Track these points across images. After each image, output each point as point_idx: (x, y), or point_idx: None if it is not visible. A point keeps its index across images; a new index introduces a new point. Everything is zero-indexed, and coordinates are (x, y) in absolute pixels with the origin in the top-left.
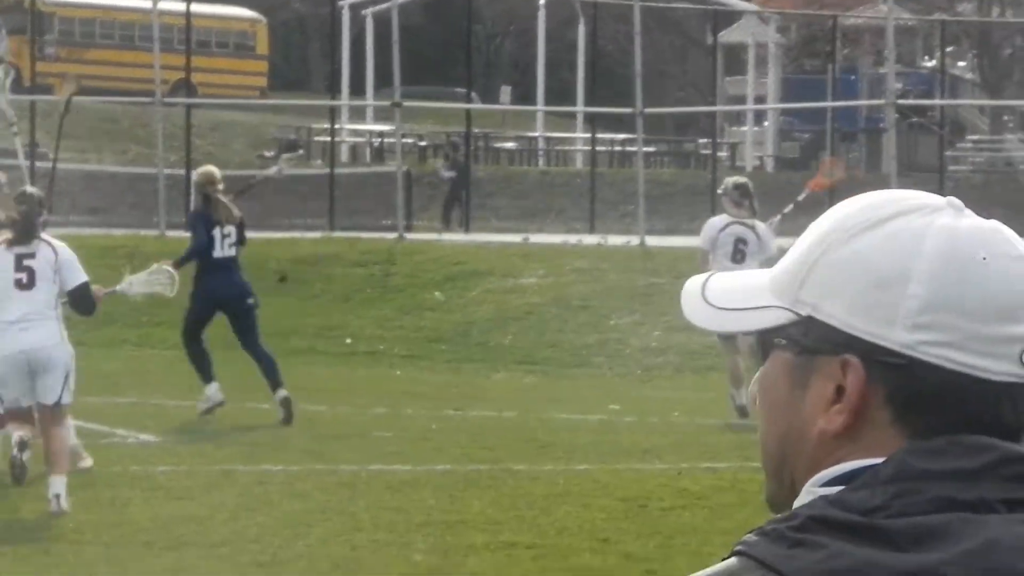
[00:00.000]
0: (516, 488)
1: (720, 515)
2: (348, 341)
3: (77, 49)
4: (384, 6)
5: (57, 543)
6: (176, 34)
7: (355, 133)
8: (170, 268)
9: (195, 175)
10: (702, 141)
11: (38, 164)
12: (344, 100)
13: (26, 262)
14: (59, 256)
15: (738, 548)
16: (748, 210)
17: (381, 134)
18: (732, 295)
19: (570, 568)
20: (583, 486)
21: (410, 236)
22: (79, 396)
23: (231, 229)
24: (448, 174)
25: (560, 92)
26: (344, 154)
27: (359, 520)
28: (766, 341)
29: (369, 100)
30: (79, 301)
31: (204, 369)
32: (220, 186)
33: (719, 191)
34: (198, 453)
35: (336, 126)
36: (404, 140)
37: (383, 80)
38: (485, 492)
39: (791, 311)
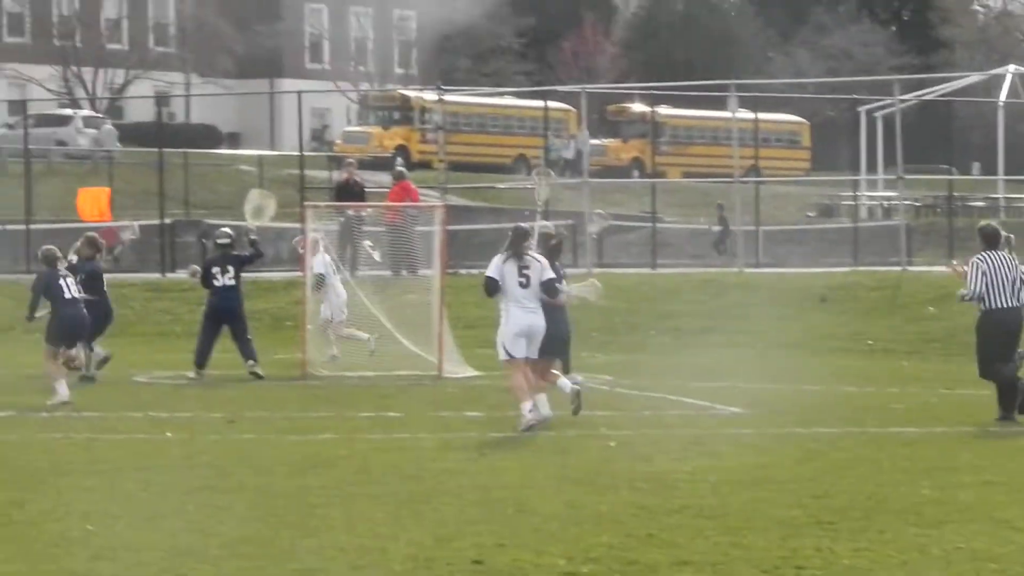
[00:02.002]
0: (994, 445)
1: None
2: (869, 342)
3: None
4: (890, 110)
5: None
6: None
7: (870, 198)
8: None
9: None
10: None
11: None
12: (862, 175)
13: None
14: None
15: None
16: None
17: (888, 198)
18: None
19: None
20: None
21: (911, 268)
22: (690, 381)
23: None
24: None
25: (1020, 165)
26: (862, 212)
27: (881, 465)
28: None
29: (880, 175)
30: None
31: None
32: None
33: None
34: (769, 420)
35: (856, 193)
36: (904, 202)
37: (889, 160)
38: (972, 446)
39: None
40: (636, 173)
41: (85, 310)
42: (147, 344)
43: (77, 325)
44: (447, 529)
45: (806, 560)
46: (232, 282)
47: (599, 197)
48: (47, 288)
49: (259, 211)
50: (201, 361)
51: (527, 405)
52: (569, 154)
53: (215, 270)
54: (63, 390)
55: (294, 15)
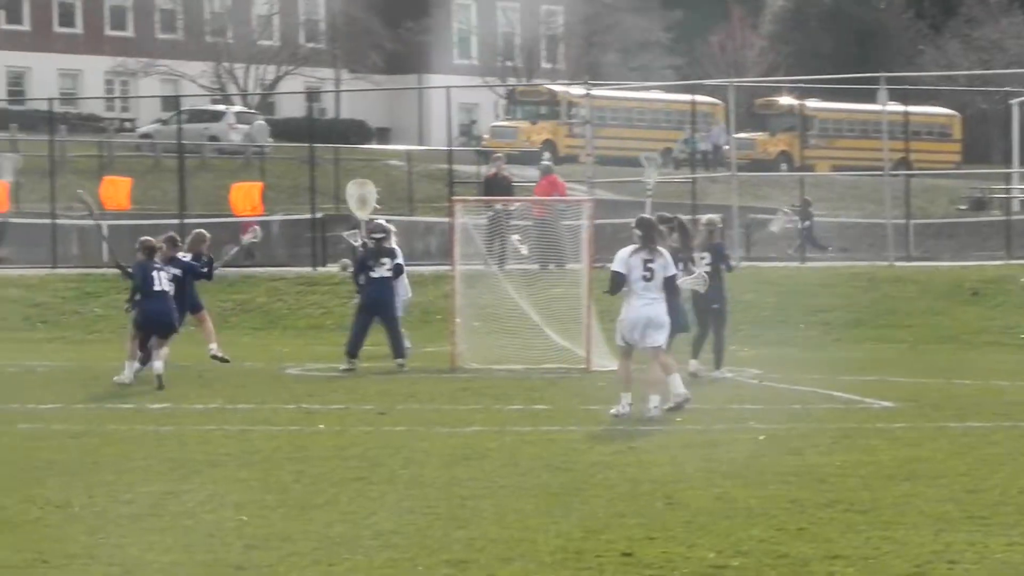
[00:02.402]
0: None
1: None
2: (1022, 336)
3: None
4: None
5: (836, 474)
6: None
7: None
8: None
9: None
10: None
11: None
12: (1015, 168)
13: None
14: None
15: None
16: None
17: None
18: None
19: None
20: None
21: None
22: (840, 375)
23: None
24: None
25: None
26: (1015, 205)
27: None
28: None
29: None
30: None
31: None
32: None
33: None
34: (921, 415)
35: (1009, 186)
36: None
37: None
38: None
39: None
40: (784, 166)
41: (171, 304)
42: (299, 337)
43: (156, 317)
44: (596, 521)
45: (959, 555)
46: (387, 274)
47: (747, 191)
48: (140, 277)
49: (363, 201)
50: (353, 351)
51: (626, 397)
52: (707, 146)
53: (370, 262)
54: (128, 372)
55: (443, 11)
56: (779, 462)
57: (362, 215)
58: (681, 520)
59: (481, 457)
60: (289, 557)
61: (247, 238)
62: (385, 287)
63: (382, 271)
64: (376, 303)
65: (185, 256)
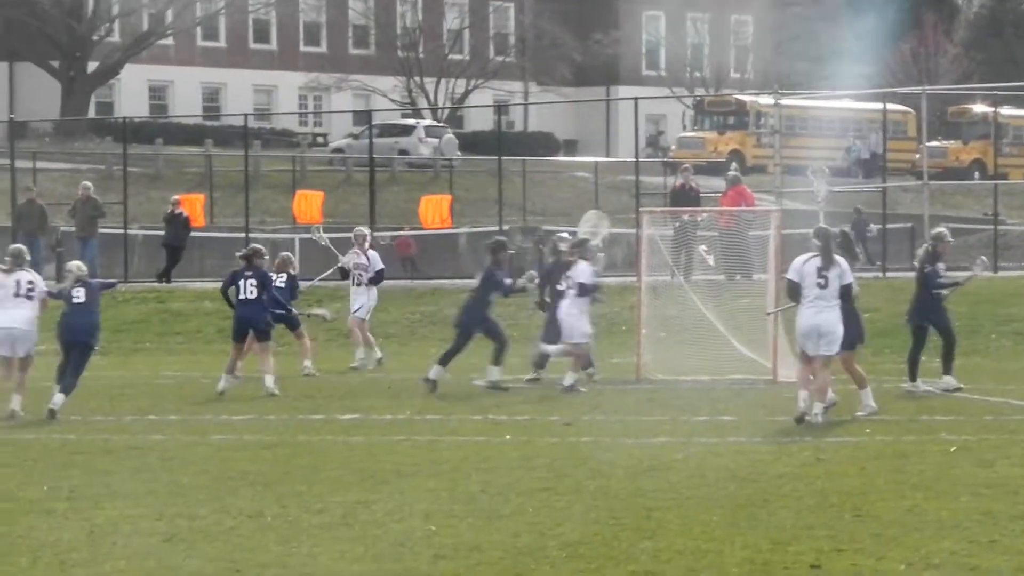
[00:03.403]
0: None
1: None
2: None
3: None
4: None
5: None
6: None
7: None
8: None
9: None
10: None
11: None
12: None
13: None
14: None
15: None
16: None
17: None
18: None
19: None
20: None
21: None
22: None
23: None
24: None
25: None
26: None
27: None
28: None
29: None
30: None
31: None
32: None
33: None
34: None
35: None
36: None
37: None
38: None
39: None
40: (977, 175)
41: (258, 311)
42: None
43: (243, 324)
44: (783, 533)
45: None
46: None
47: (939, 199)
48: (230, 284)
49: (595, 228)
50: (541, 362)
51: (803, 394)
52: (865, 155)
53: (555, 277)
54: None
55: (632, 23)
56: (970, 474)
57: (586, 233)
58: (870, 532)
59: (667, 468)
60: (477, 567)
61: (346, 260)
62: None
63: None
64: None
65: (276, 276)
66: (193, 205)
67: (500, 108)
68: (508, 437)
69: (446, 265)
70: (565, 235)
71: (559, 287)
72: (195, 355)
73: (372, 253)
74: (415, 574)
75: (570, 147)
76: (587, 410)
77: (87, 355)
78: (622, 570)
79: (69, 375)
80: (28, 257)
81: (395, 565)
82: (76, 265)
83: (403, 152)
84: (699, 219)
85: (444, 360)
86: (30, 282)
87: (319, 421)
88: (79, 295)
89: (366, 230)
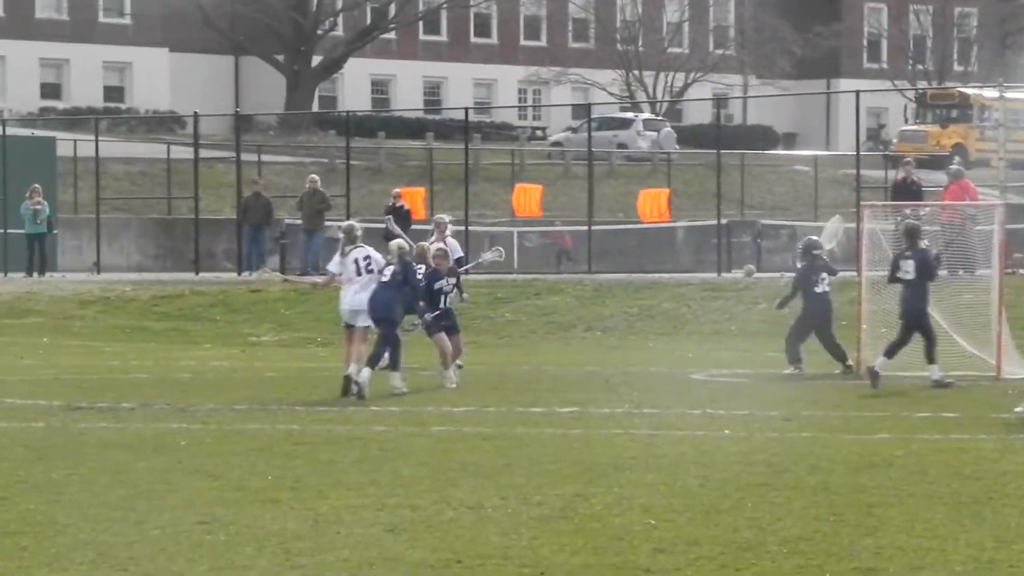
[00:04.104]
0: None
1: None
2: None
3: None
4: None
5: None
6: None
7: None
8: None
9: None
10: None
11: None
12: None
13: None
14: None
15: None
16: None
17: None
18: None
19: None
20: None
21: None
22: None
23: None
24: None
25: None
26: None
27: None
28: None
29: None
30: None
31: None
32: None
33: None
34: None
35: None
36: None
37: None
38: None
39: None
40: None
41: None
42: (702, 342)
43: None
44: (1009, 532)
45: None
46: (827, 288)
47: None
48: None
49: (832, 237)
50: (794, 358)
51: None
52: None
53: (813, 278)
54: (397, 383)
55: (854, 15)
56: None
57: (827, 246)
58: None
59: (888, 464)
60: (696, 561)
61: (489, 256)
62: (826, 300)
63: (823, 286)
64: (818, 316)
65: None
66: (414, 198)
67: (719, 101)
68: (727, 432)
69: (664, 259)
70: (815, 238)
71: (816, 289)
72: (412, 347)
73: (451, 241)
74: (634, 567)
75: (789, 140)
76: (806, 405)
77: (392, 331)
78: (844, 566)
79: (377, 349)
80: (359, 232)
81: (615, 558)
82: (398, 244)
83: (621, 145)
84: (921, 213)
85: (890, 352)
86: (367, 258)
87: (538, 414)
88: (387, 273)
89: (447, 217)
